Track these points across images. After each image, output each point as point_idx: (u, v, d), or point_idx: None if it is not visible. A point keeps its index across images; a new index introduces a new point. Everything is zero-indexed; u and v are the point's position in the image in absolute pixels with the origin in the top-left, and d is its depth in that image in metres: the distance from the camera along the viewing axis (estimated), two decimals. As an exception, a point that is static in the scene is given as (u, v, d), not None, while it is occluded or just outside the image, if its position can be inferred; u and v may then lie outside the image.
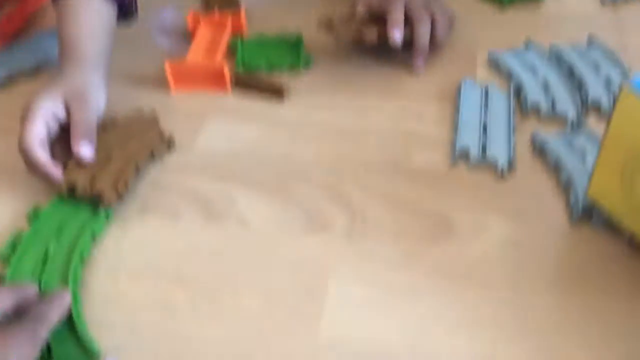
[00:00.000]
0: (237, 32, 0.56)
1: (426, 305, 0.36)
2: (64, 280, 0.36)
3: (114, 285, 0.38)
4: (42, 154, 0.40)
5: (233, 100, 0.51)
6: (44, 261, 0.37)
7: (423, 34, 0.50)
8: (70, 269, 0.37)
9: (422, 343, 0.34)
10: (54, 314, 0.33)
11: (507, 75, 0.50)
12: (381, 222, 0.40)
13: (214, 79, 0.51)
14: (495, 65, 0.52)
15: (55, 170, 0.40)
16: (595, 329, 0.34)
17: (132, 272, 0.38)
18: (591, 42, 0.52)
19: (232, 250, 0.39)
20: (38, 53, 0.55)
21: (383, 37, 0.49)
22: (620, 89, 0.33)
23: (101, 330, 0.35)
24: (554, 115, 0.47)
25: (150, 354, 0.34)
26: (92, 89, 0.43)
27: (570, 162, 0.42)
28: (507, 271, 0.37)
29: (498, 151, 0.44)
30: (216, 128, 0.48)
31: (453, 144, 0.45)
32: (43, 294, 0.34)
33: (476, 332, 0.34)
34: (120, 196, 0.41)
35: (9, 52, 0.55)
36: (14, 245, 0.38)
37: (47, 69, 0.54)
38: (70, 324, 0.34)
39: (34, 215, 0.40)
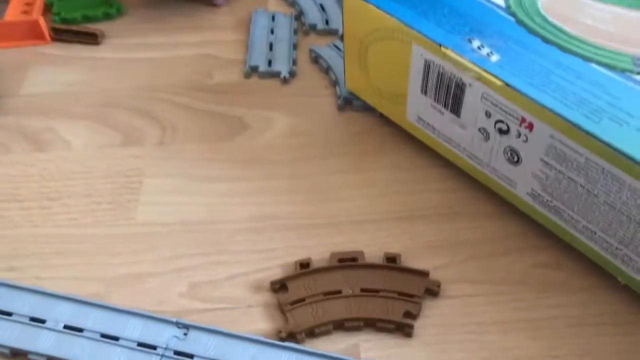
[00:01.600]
0: (51, -9, 0.61)
1: (225, 184, 0.45)
2: None
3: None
4: None
5: (53, 50, 0.56)
6: None
7: None
8: None
9: (217, 211, 0.43)
10: None
11: (292, 3, 0.60)
12: (188, 130, 0.49)
13: (33, 33, 0.56)
14: (283, -3, 0.61)
15: None
16: (361, 178, 0.45)
17: (-30, 199, 0.44)
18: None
19: (59, 168, 0.46)
20: None
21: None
22: (343, -6, 0.44)
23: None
24: (328, 31, 0.57)
25: (5, 254, 0.41)
26: None
27: (337, 65, 0.53)
28: (290, 151, 0.47)
29: (282, 64, 0.53)
30: (39, 75, 0.54)
31: (246, 62, 0.54)
32: None
33: (264, 198, 0.44)
34: None
35: None
36: None
37: None
38: None
39: None
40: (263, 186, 0.45)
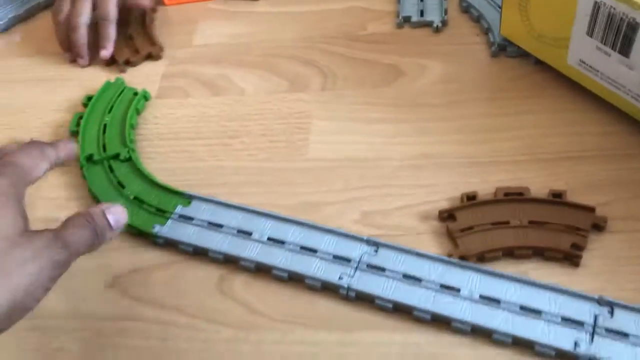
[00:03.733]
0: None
1: (385, 126, 0.48)
2: (123, 143, 0.48)
3: (152, 146, 0.49)
4: (85, 35, 0.53)
5: (218, 6, 0.61)
6: (104, 130, 0.49)
7: None
8: (126, 134, 0.48)
9: (381, 149, 0.46)
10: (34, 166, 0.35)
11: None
12: (347, 77, 0.52)
13: (200, -10, 0.62)
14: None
15: (86, 54, 0.55)
16: (520, 120, 0.46)
17: (164, 135, 0.50)
18: None
19: (235, 111, 0.51)
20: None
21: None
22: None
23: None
24: (477, -18, 0.58)
25: (191, 184, 0.46)
26: None
27: (488, 13, 0.54)
28: (446, 95, 0.49)
29: (433, 14, 0.55)
30: (207, 29, 0.59)
31: (397, 13, 0.56)
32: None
33: (424, 138, 0.46)
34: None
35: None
36: (77, 121, 0.50)
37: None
38: (144, 179, 0.46)
39: (88, 100, 0.52)
40: (422, 127, 0.47)
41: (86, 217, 0.34)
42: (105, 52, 0.56)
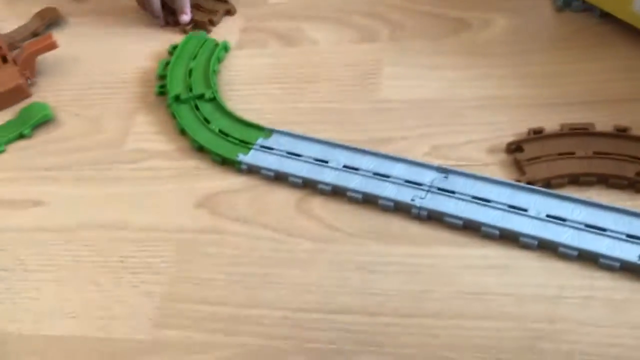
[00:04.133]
0: None
1: (453, 72, 0.50)
2: (207, 85, 0.52)
3: (233, 90, 0.53)
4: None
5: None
6: (189, 74, 0.53)
7: None
8: (209, 78, 0.53)
9: (452, 92, 0.49)
10: None
11: None
12: (414, 28, 0.55)
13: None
14: None
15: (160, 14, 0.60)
16: (585, 67, 0.48)
17: (243, 80, 0.54)
18: None
19: (310, 60, 0.54)
20: None
21: None
22: None
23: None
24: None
25: (270, 121, 0.50)
26: None
27: (554, -30, 0.56)
28: (510, 46, 0.51)
29: (499, -28, 0.58)
30: (281, -11, 0.63)
31: (464, -28, 0.59)
32: None
33: (489, 82, 0.49)
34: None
35: None
36: (164, 66, 0.55)
37: None
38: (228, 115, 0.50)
39: (173, 49, 0.57)
40: (487, 73, 0.50)
41: None
42: (186, 17, 0.60)
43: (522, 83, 0.48)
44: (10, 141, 0.53)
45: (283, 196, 0.44)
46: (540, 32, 0.52)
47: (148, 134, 0.51)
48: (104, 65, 0.59)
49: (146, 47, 0.59)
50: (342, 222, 0.42)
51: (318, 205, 0.43)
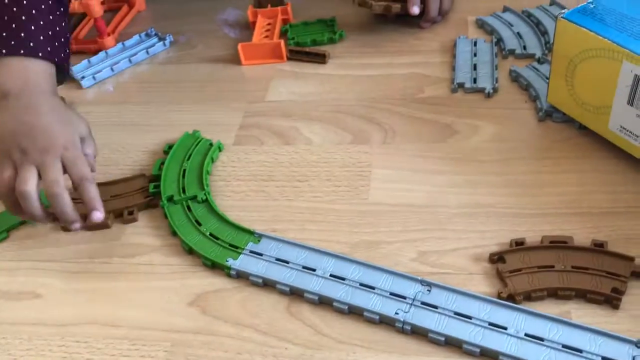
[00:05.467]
0: (285, 21, 0.75)
1: (439, 177, 0.53)
2: (200, 187, 0.54)
3: (229, 185, 0.55)
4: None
5: (289, 67, 0.69)
6: (183, 175, 0.55)
7: (434, 8, 0.68)
8: (203, 179, 0.55)
9: (437, 197, 0.51)
10: None
11: (491, 32, 0.68)
12: (405, 133, 0.58)
13: (274, 53, 0.69)
14: (481, 25, 0.69)
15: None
16: (564, 178, 0.51)
17: (239, 177, 0.56)
18: (553, 2, 0.70)
19: (304, 159, 0.57)
20: None
21: (404, 10, 0.68)
22: (557, 18, 0.51)
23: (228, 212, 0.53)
24: (525, 55, 0.64)
25: (264, 219, 0.52)
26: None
27: (536, 82, 0.59)
28: (495, 154, 0.54)
29: (485, 82, 0.61)
30: (279, 87, 0.66)
31: (452, 80, 0.62)
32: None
33: (476, 189, 0.51)
34: None
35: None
36: (159, 166, 0.57)
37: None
38: (219, 218, 0.51)
39: (168, 148, 0.59)
40: (475, 180, 0.52)
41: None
42: (416, 9, 0.66)
43: (506, 192, 0.51)
44: (13, 227, 0.55)
45: (273, 299, 0.46)
46: (524, 141, 0.55)
47: (145, 229, 0.53)
48: (105, 156, 0.61)
49: (144, 140, 0.62)
50: (332, 328, 0.43)
51: (307, 309, 0.45)
